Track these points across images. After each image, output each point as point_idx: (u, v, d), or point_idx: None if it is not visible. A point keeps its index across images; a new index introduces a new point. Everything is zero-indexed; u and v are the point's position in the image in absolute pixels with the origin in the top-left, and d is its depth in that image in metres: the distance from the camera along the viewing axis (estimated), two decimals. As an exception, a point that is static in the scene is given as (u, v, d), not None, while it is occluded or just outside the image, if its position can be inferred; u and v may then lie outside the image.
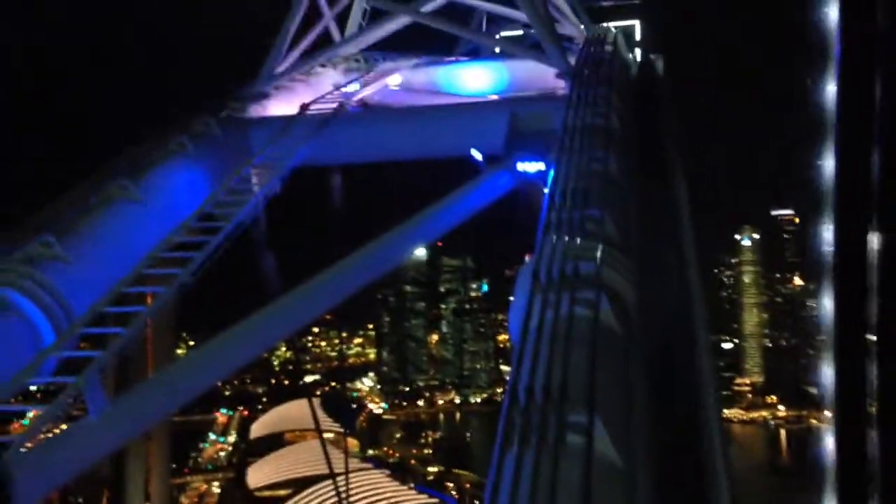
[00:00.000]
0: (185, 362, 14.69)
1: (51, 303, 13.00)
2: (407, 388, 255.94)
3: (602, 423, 7.45)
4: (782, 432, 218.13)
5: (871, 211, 46.13)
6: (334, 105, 22.62)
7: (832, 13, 48.42)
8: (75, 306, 13.34)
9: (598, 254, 10.59)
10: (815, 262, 51.19)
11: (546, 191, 14.05)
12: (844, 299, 47.30)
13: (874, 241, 45.44)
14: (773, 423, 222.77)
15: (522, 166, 19.19)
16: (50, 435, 11.65)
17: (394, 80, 27.23)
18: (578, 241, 11.06)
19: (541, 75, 23.96)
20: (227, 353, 14.79)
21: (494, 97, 25.49)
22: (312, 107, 22.91)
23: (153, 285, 13.52)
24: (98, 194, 15.92)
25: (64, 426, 12.27)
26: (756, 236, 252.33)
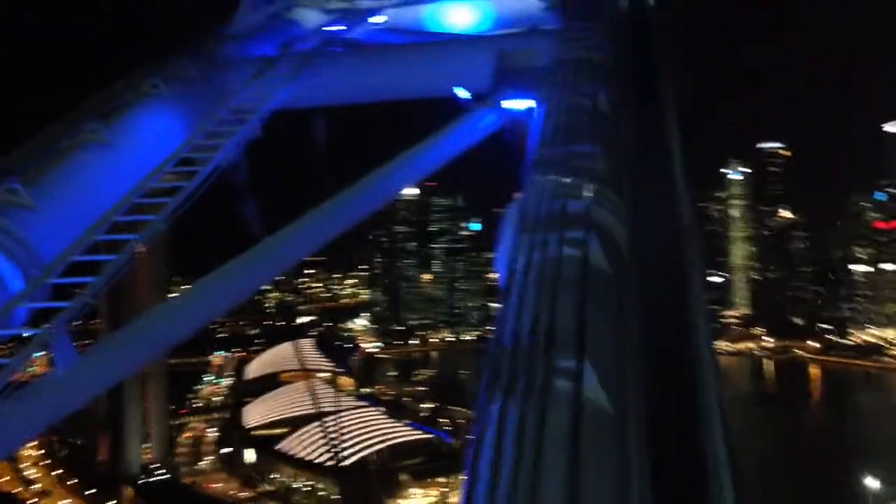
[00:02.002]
0: (161, 310, 14.34)
1: (19, 251, 12.56)
2: (400, 328, 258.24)
3: (591, 368, 7.14)
4: (768, 362, 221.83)
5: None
6: (315, 45, 21.93)
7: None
8: (44, 255, 12.91)
9: (587, 192, 10.20)
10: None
11: (534, 127, 13.62)
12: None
13: None
14: (759, 353, 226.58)
15: (510, 104, 18.68)
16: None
17: (377, 19, 26.36)
18: (567, 178, 10.67)
19: (529, 10, 23.22)
20: (211, 297, 14.48)
21: (483, 30, 24.74)
22: (293, 46, 22.20)
23: (125, 233, 13.09)
24: (68, 138, 15.35)
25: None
26: (744, 169, 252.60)
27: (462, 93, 20.33)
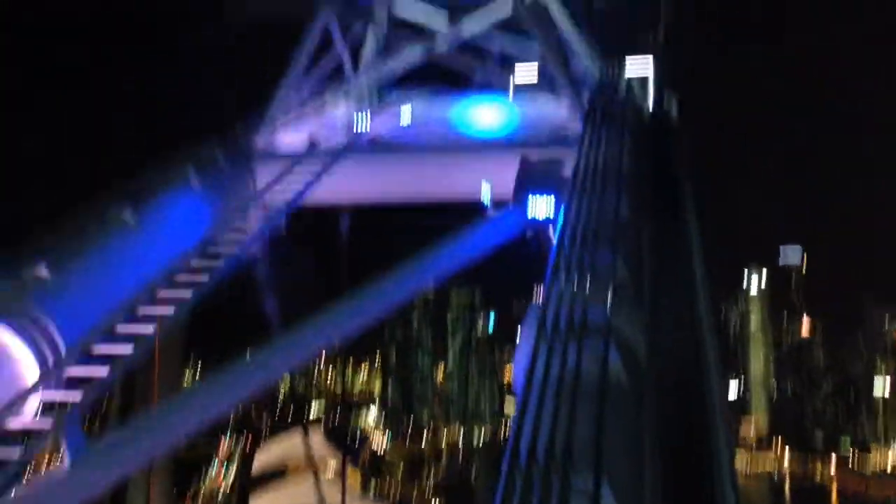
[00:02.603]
0: (174, 402, 14.17)
1: (38, 337, 12.58)
2: (411, 423, 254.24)
3: (609, 488, 6.93)
4: (786, 482, 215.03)
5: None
6: (344, 141, 22.37)
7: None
8: (65, 339, 12.92)
9: (608, 299, 10.14)
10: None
11: (555, 232, 13.67)
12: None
13: None
14: (777, 471, 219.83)
15: (533, 208, 18.83)
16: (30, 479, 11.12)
17: (405, 115, 26.97)
18: (588, 285, 10.64)
19: (553, 114, 23.68)
20: (226, 390, 14.33)
21: (506, 136, 25.19)
22: (322, 142, 22.66)
23: (144, 322, 13.11)
24: (97, 222, 15.58)
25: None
26: (764, 275, 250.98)
27: (486, 196, 20.55)
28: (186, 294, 14.28)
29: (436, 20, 26.22)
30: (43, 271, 13.49)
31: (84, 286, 14.20)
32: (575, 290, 10.54)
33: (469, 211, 22.30)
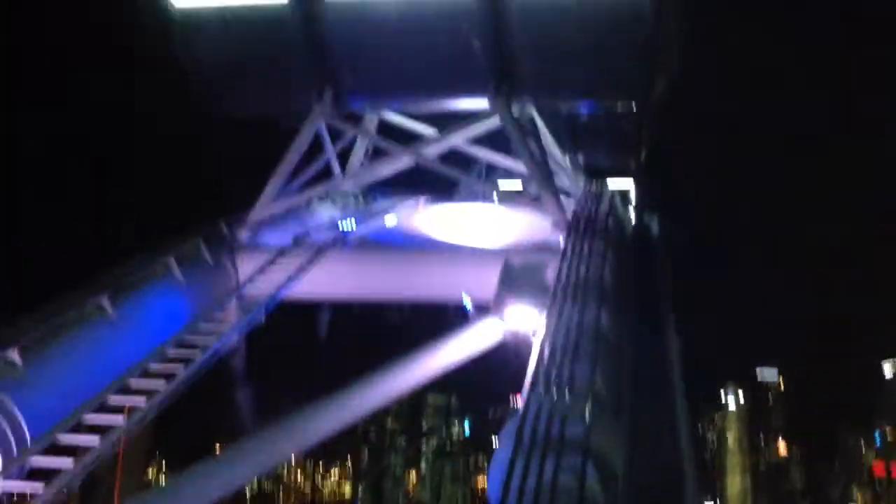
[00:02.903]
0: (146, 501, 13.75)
1: (3, 424, 12.26)
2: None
3: None
4: None
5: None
6: (328, 240, 22.55)
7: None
8: (32, 430, 12.60)
9: (586, 415, 10.08)
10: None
11: (535, 343, 13.68)
12: None
13: None
14: None
15: (513, 316, 18.88)
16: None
17: (390, 219, 27.32)
18: (567, 399, 10.59)
19: (536, 225, 24.06)
20: (194, 491, 13.93)
21: (489, 244, 25.51)
22: (306, 239, 22.83)
23: (114, 414, 12.84)
24: (74, 311, 15.42)
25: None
26: (741, 396, 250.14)
27: (467, 301, 20.63)
28: (160, 385, 14.06)
29: (424, 129, 26.95)
30: (15, 356, 13.26)
31: (56, 374, 13.94)
32: (553, 403, 10.48)
33: (449, 313, 22.40)
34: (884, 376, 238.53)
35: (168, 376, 14.21)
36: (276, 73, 23.03)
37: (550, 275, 18.33)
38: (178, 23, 22.33)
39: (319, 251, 21.47)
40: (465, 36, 21.39)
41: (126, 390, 13.68)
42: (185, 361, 14.72)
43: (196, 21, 22.31)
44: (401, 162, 25.58)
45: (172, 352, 15.16)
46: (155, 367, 14.54)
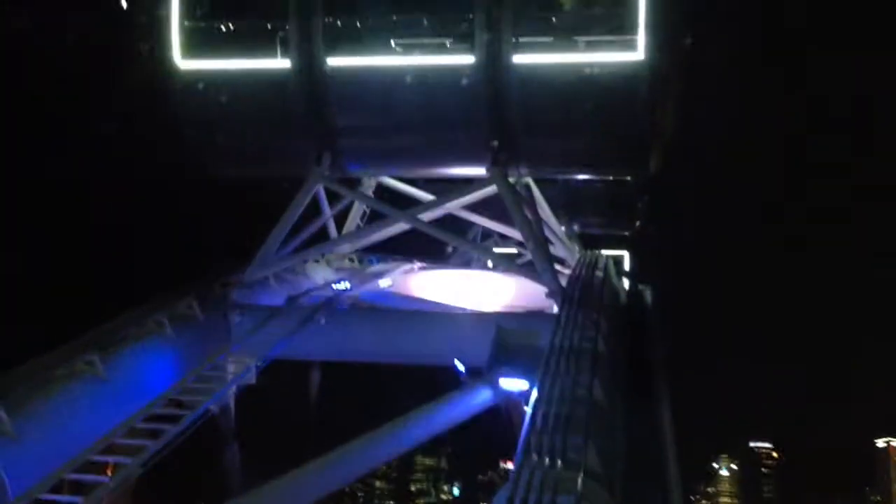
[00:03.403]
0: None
1: None
2: None
3: None
4: None
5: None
6: (322, 300, 22.56)
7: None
8: (14, 487, 12.38)
9: (578, 487, 9.98)
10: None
11: (528, 410, 13.59)
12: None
13: None
14: None
15: (505, 382, 18.79)
16: None
17: (384, 282, 27.39)
18: (558, 470, 10.50)
19: (531, 292, 24.11)
20: None
21: (483, 308, 25.53)
22: (299, 299, 22.83)
23: (99, 474, 12.64)
24: (64, 367, 15.30)
25: None
26: (734, 467, 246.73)
27: (460, 365, 20.56)
28: (147, 443, 13.87)
29: (421, 193, 27.21)
30: (1, 412, 13.11)
31: (42, 432, 13.77)
32: (545, 472, 10.39)
33: (441, 376, 22.29)
34: (877, 447, 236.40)
35: (155, 434, 14.03)
36: (276, 135, 23.26)
37: (543, 341, 18.31)
38: (181, 83, 22.65)
39: (313, 312, 21.44)
40: (464, 105, 21.72)
41: (112, 449, 13.50)
42: (174, 420, 14.56)
43: (198, 82, 22.62)
44: (397, 226, 25.74)
45: (161, 410, 15.00)
46: (142, 425, 14.37)
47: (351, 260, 28.13)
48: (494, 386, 18.90)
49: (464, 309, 24.96)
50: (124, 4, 24.13)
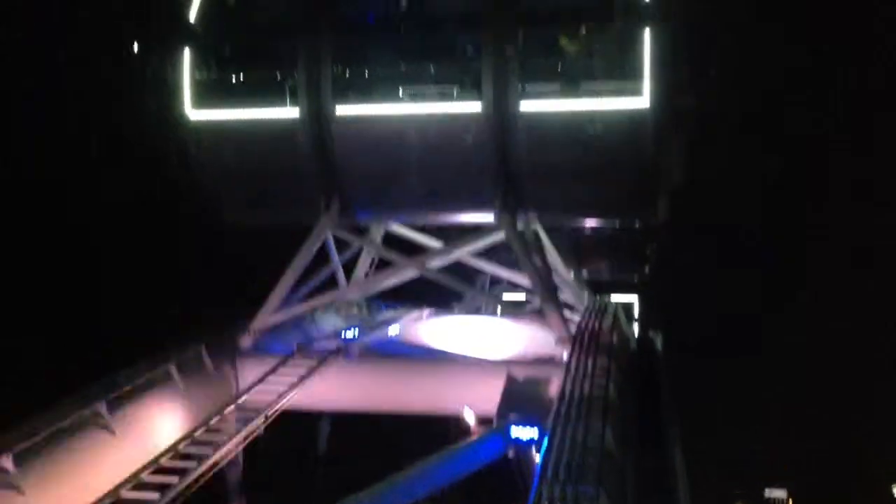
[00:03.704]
0: None
1: None
2: None
3: None
4: None
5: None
6: (331, 349, 22.46)
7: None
8: None
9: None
10: None
11: (538, 459, 13.41)
12: None
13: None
14: None
15: (516, 431, 18.57)
16: None
17: (393, 329, 27.29)
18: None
19: (540, 339, 23.97)
20: None
21: (492, 356, 25.37)
22: (308, 348, 22.74)
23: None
24: (72, 419, 15.19)
25: None
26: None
27: (469, 414, 20.36)
28: (153, 497, 13.73)
29: (429, 241, 27.23)
30: (8, 463, 13.01)
31: (49, 483, 13.64)
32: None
33: (451, 425, 22.04)
34: (894, 496, 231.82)
35: (163, 488, 13.88)
36: (286, 184, 23.41)
37: (553, 389, 18.10)
38: (192, 134, 22.89)
39: (322, 360, 21.34)
40: (471, 152, 21.85)
41: (118, 502, 13.34)
42: (181, 472, 14.40)
43: (209, 132, 22.87)
44: (405, 273, 25.72)
45: (168, 462, 14.85)
46: (149, 478, 14.23)
47: (359, 307, 28.06)
48: (505, 434, 18.68)
49: (473, 357, 24.80)
50: (138, 59, 24.49)
